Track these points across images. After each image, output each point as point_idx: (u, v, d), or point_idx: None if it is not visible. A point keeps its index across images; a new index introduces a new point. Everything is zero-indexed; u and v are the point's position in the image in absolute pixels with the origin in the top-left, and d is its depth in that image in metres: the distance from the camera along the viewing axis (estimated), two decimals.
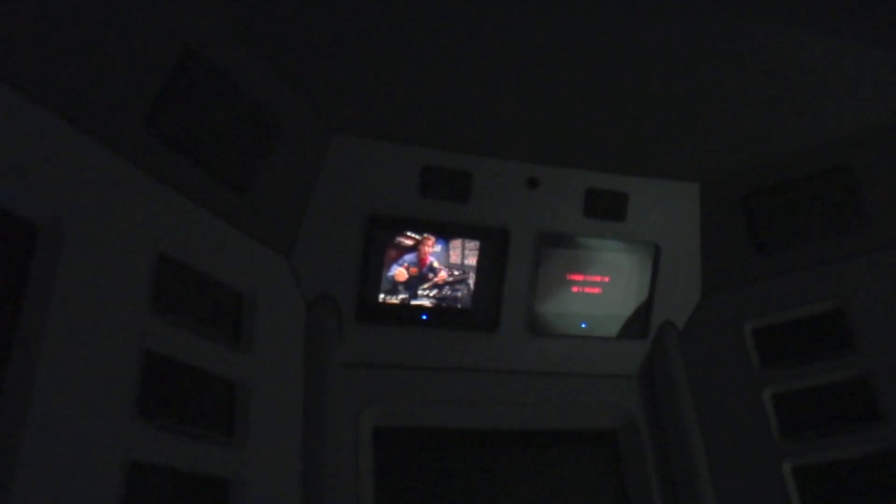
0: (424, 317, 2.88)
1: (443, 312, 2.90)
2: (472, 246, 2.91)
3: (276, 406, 2.44)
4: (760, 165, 3.07)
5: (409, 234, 2.81)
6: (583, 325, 3.10)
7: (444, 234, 2.87)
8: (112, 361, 1.88)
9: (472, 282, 2.93)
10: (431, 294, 2.88)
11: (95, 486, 1.75)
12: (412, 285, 2.85)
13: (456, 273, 2.91)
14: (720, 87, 2.60)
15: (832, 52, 2.47)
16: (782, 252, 3.07)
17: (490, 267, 2.94)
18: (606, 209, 3.03)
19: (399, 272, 2.82)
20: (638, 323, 3.16)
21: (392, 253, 2.81)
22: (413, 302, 2.86)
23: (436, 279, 2.88)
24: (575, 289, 3.08)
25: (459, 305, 2.93)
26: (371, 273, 2.77)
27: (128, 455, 1.85)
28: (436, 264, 2.87)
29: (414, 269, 2.84)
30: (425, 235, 2.84)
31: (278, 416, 2.44)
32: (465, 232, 2.89)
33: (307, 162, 2.59)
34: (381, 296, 2.81)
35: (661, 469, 3.02)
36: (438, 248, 2.87)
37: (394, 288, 2.82)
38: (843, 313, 2.95)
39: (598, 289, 3.11)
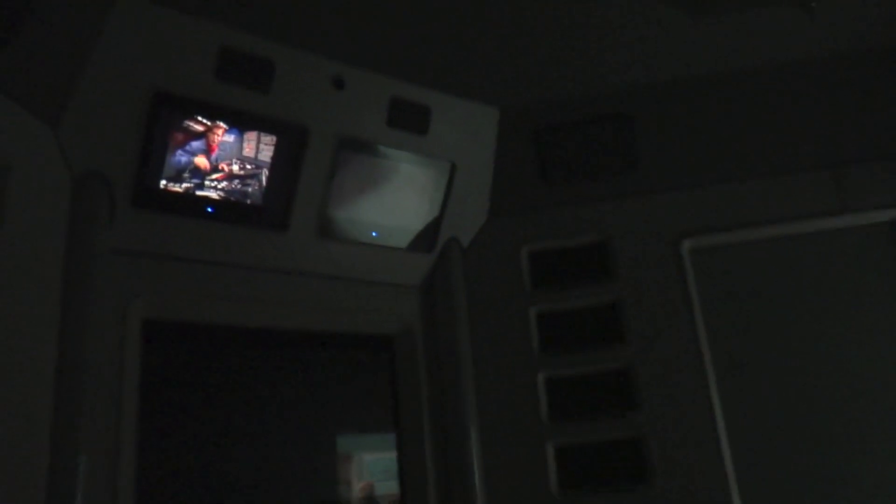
0: (210, 209, 2.72)
1: (230, 206, 2.76)
2: (268, 140, 2.78)
3: (31, 290, 2.21)
4: (556, 102, 3.24)
5: (199, 118, 2.61)
6: (373, 234, 3.12)
7: (239, 124, 2.70)
8: None
9: (264, 178, 2.81)
10: (220, 186, 2.73)
11: None
12: (200, 175, 2.67)
13: (248, 167, 2.77)
14: (525, 20, 2.68)
15: (629, 8, 2.63)
16: (564, 185, 3.30)
17: (285, 164, 2.83)
18: (409, 121, 3.04)
19: (198, 160, 2.63)
20: (426, 237, 3.25)
21: (179, 137, 2.60)
22: (199, 192, 2.69)
23: (226, 171, 2.72)
24: (369, 197, 3.08)
25: (249, 201, 2.80)
26: (153, 155, 2.55)
27: None
28: (227, 155, 2.71)
29: (203, 157, 2.66)
30: (217, 122, 2.66)
31: (33, 301, 2.21)
32: (262, 125, 2.74)
33: (88, 21, 2.28)
34: (163, 182, 2.60)
35: (431, 376, 3.19)
36: (231, 138, 2.71)
37: (178, 175, 2.63)
38: (607, 246, 3.26)
39: (392, 199, 3.14)
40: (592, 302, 3.24)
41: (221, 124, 2.66)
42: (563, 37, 2.81)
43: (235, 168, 2.75)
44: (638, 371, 3.08)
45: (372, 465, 3.46)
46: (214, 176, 2.71)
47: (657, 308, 3.14)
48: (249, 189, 2.80)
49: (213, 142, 2.67)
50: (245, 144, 2.75)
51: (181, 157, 2.62)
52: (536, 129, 3.28)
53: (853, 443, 2.90)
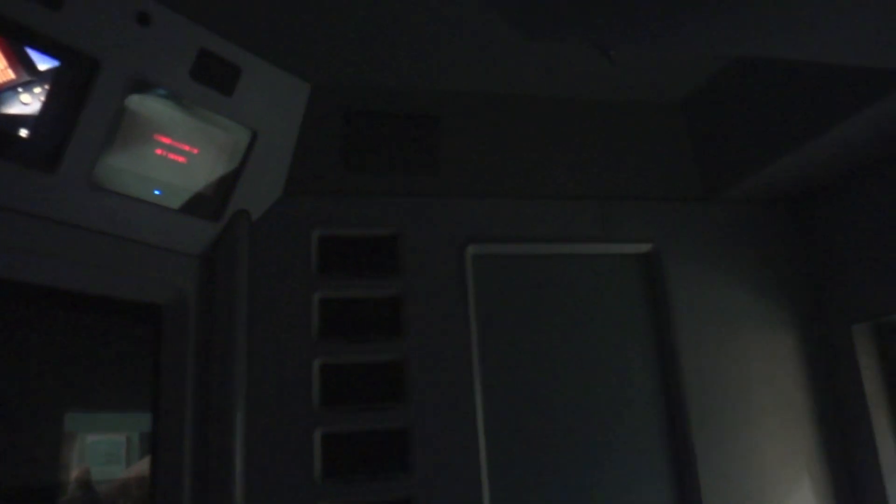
0: None
1: None
2: (49, 66, 2.41)
3: None
4: (370, 90, 3.24)
5: None
6: (157, 192, 2.83)
7: (18, 39, 2.30)
8: None
9: (37, 106, 2.42)
10: None
11: None
12: None
13: (19, 90, 2.37)
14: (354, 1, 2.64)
15: (463, 15, 2.71)
16: (365, 174, 3.29)
17: (65, 97, 2.46)
18: (215, 78, 2.82)
19: None
20: (215, 204, 3.03)
21: None
22: None
23: None
24: (158, 151, 2.80)
25: (14, 131, 2.39)
26: None
27: None
28: None
29: None
30: None
31: None
32: (46, 45, 2.36)
33: None
34: None
35: (201, 351, 2.97)
36: (3, 54, 2.29)
37: None
38: (396, 240, 3.30)
39: (184, 158, 2.88)
40: (376, 293, 3.26)
41: None
42: (389, 27, 2.81)
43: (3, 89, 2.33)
44: (410, 364, 3.15)
45: (93, 446, 3.15)
46: None
47: (436, 306, 3.24)
48: (16, 116, 2.39)
49: None
50: (20, 64, 2.34)
51: None
52: (346, 112, 3.23)
53: (597, 446, 3.26)
